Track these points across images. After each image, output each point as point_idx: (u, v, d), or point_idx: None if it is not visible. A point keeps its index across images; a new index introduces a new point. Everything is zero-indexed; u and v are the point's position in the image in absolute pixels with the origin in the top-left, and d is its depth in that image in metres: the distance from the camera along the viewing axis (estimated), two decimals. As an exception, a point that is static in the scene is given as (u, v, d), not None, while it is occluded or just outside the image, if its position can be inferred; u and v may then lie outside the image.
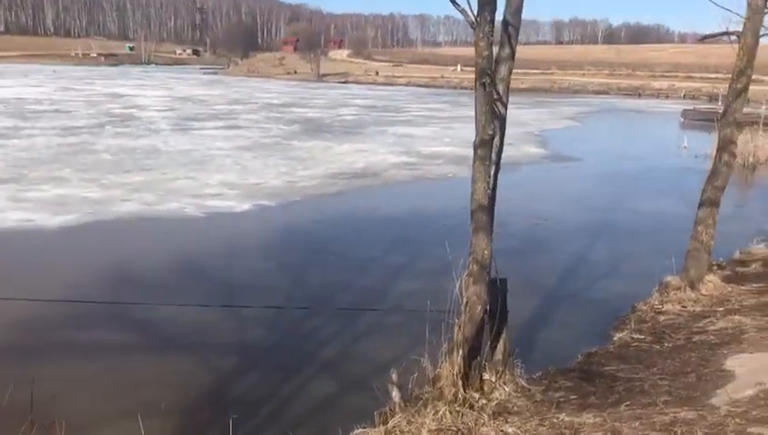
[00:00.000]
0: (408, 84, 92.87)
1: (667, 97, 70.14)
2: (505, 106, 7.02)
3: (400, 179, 21.74)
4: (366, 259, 12.97)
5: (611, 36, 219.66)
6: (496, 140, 6.99)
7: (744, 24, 10.05)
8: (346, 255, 13.32)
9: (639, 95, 73.66)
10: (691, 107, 46.97)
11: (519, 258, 13.00)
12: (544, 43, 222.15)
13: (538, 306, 10.68)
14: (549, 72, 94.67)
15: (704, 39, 10.60)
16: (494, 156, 7.00)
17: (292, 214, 16.62)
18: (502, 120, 7.07)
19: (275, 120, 40.32)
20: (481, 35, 5.66)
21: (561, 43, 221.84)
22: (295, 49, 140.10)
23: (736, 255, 13.03)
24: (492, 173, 6.65)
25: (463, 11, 5.57)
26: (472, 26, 5.66)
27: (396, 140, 31.85)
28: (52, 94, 56.18)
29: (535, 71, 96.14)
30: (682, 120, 43.07)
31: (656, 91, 74.16)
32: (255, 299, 9.45)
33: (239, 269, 12.08)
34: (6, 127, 31.97)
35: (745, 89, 10.23)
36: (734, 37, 10.28)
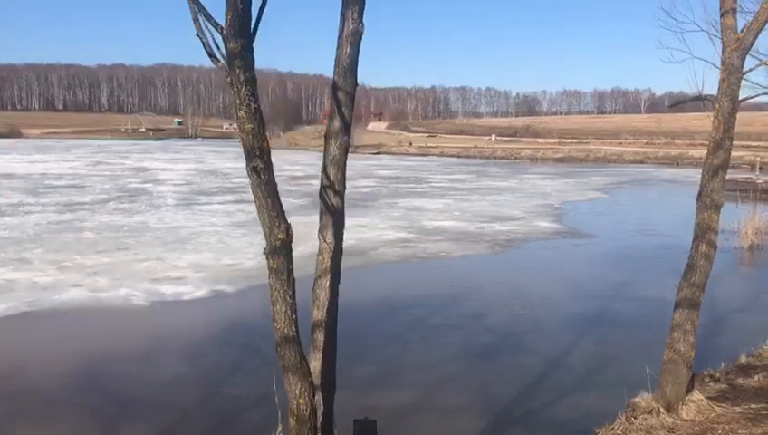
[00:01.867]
0: (440, 155, 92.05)
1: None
2: (340, 196, 5.44)
3: (386, 259, 20.11)
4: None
5: (654, 106, 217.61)
6: (330, 241, 5.39)
7: (719, 86, 8.35)
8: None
9: (677, 164, 71.10)
10: (726, 177, 44.48)
11: (480, 362, 11.23)
12: (586, 113, 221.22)
13: (480, 431, 8.78)
14: (586, 141, 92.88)
15: (673, 105, 8.90)
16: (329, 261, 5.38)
17: (245, 302, 15.08)
18: (337, 216, 5.49)
19: (288, 193, 39.33)
20: (238, 101, 4.13)
21: (603, 113, 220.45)
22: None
23: (742, 359, 10.89)
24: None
25: (217, 62, 4.07)
26: (230, 84, 4.13)
27: (403, 213, 30.40)
28: (81, 169, 56.81)
29: (572, 140, 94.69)
30: (717, 190, 40.61)
31: (694, 160, 71.52)
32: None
33: (135, 381, 10.48)
34: (8, 203, 31.64)
35: (724, 165, 8.44)
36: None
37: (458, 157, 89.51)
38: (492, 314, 14.30)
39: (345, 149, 5.59)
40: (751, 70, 8.38)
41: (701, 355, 12.15)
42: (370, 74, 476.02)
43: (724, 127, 8.31)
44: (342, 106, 5.03)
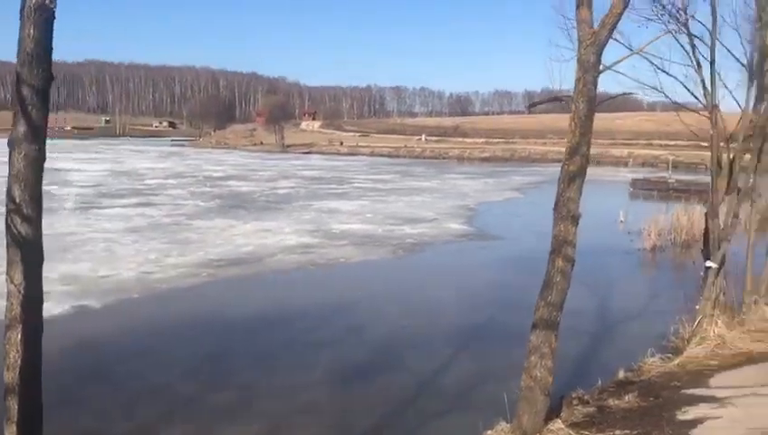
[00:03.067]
0: (371, 154, 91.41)
1: (626, 165, 68.78)
2: (32, 222, 4.40)
3: (281, 267, 19.03)
4: (137, 393, 10.08)
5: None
6: (19, 282, 4.32)
7: (575, 85, 7.64)
8: (123, 383, 10.45)
9: (598, 163, 72.22)
10: (641, 176, 45.16)
11: (345, 385, 10.33)
12: (517, 113, 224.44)
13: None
14: (512, 141, 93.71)
15: (532, 106, 8.17)
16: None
17: (105, 319, 13.79)
18: (28, 249, 4.44)
19: (200, 195, 37.84)
20: None
21: (533, 113, 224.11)
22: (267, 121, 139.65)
23: (620, 374, 10.30)
24: None
25: None
26: None
27: (314, 216, 29.34)
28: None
29: (498, 140, 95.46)
30: (631, 189, 41.10)
31: (614, 159, 72.94)
32: None
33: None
34: None
35: (581, 172, 7.74)
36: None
37: (388, 156, 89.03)
38: (374, 326, 13.44)
39: (35, 162, 4.42)
40: (608, 68, 7.71)
41: (582, 371, 11.59)
42: (306, 73, 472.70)
43: (581, 130, 7.62)
44: (29, 105, 3.95)
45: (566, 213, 7.70)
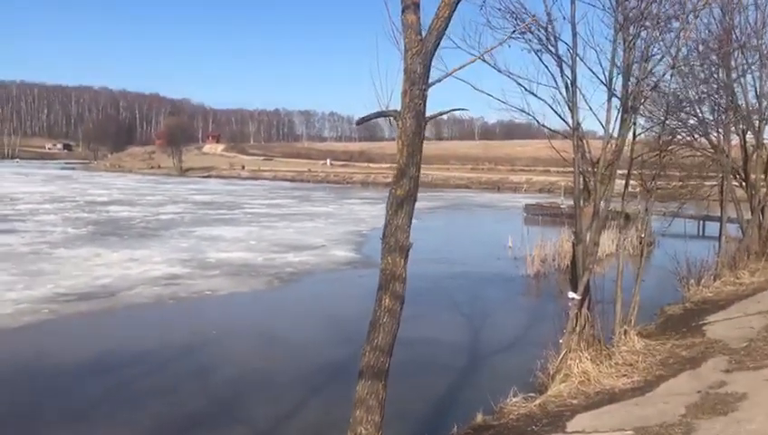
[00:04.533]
0: (273, 178, 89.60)
1: (525, 191, 70.11)
2: None
3: (136, 301, 17.30)
4: None
5: (487, 133, 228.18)
6: None
7: (402, 100, 6.69)
8: None
9: (498, 189, 73.53)
10: (534, 201, 45.75)
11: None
12: (426, 139, 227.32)
13: None
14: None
15: (360, 123, 7.19)
16: None
17: None
18: None
19: (73, 221, 35.18)
20: None
21: (441, 139, 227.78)
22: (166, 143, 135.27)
23: (478, 418, 9.39)
24: None
25: None
26: None
27: (192, 244, 27.55)
28: None
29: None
30: (524, 215, 41.41)
31: (514, 185, 74.34)
32: None
33: None
34: None
35: (410, 197, 6.75)
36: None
37: (292, 181, 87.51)
38: (221, 369, 12.07)
39: None
40: (439, 81, 6.82)
41: (437, 416, 10.63)
42: (212, 95, 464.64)
43: (409, 150, 6.64)
44: None
45: (394, 244, 6.69)
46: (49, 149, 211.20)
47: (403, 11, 6.64)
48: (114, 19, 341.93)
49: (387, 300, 6.71)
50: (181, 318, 16.08)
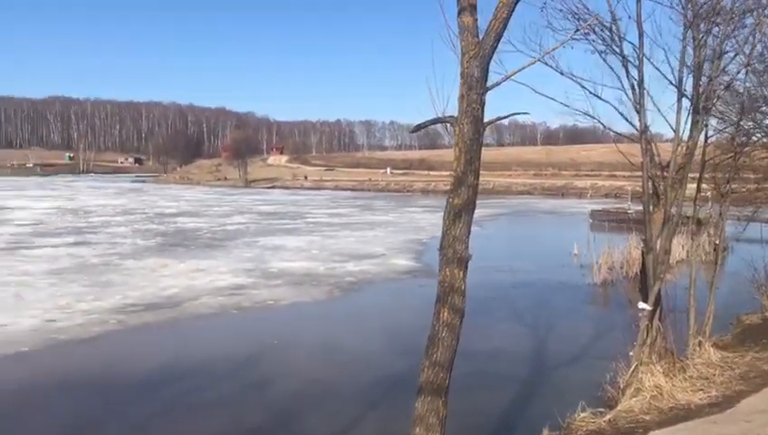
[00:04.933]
0: (335, 188, 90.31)
1: (590, 196, 68.43)
2: None
3: (201, 311, 17.54)
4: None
5: (550, 138, 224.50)
6: None
7: (459, 105, 6.49)
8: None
9: (563, 195, 72.02)
10: (600, 207, 44.53)
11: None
12: (486, 146, 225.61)
13: None
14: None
15: (415, 130, 6.99)
16: None
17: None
18: None
19: (142, 232, 36.17)
20: None
21: (502, 145, 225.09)
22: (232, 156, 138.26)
23: (543, 434, 9.03)
24: None
25: None
26: None
27: (256, 254, 27.89)
28: None
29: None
30: (590, 221, 40.31)
31: (578, 191, 72.67)
32: None
33: None
34: None
35: (468, 206, 6.51)
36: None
37: (352, 190, 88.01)
38: (283, 380, 12.04)
39: None
40: (497, 84, 6.56)
41: (505, 430, 10.30)
42: (275, 107, 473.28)
43: (467, 157, 6.42)
44: None
45: (452, 255, 6.47)
46: (121, 163, 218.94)
47: (459, 13, 6.44)
48: (182, 37, 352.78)
49: (445, 314, 6.49)
50: (244, 328, 16.19)
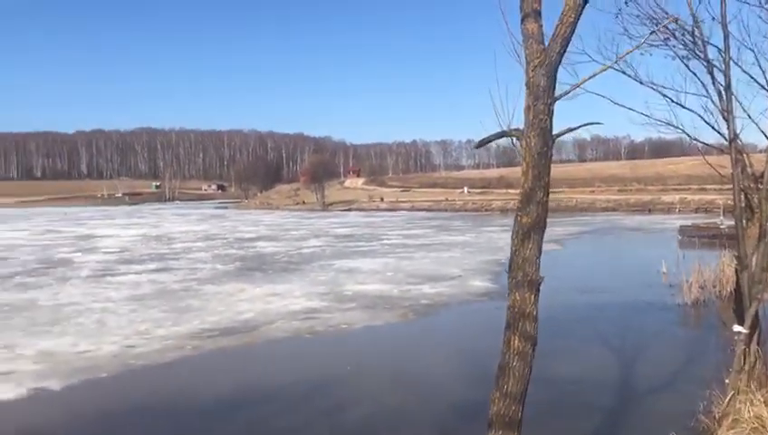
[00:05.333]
0: (411, 209, 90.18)
1: (678, 211, 65.54)
2: None
3: (276, 336, 17.49)
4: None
5: (634, 152, 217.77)
6: None
7: (525, 116, 6.05)
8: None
9: (650, 211, 69.31)
10: (689, 223, 42.43)
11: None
12: (567, 162, 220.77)
13: None
14: (558, 190, 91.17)
15: (479, 145, 6.60)
16: None
17: (56, 404, 12.47)
18: None
19: (222, 257, 36.89)
20: None
21: (584, 161, 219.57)
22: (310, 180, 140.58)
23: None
24: None
25: None
26: None
27: (331, 277, 27.86)
28: (21, 239, 54.11)
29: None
30: (679, 237, 38.44)
31: (666, 206, 69.74)
32: None
33: None
34: None
35: (538, 225, 6.03)
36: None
37: (428, 211, 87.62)
38: (355, 407, 11.73)
39: None
40: (566, 93, 6.09)
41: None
42: (351, 131, 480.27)
43: (535, 172, 5.97)
44: None
45: (522, 278, 6.00)
46: (205, 190, 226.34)
47: (523, 20, 6.04)
48: (260, 68, 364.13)
49: (516, 341, 6.01)
50: (317, 353, 16.00)
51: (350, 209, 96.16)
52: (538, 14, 6.01)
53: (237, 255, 38.45)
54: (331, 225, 64.43)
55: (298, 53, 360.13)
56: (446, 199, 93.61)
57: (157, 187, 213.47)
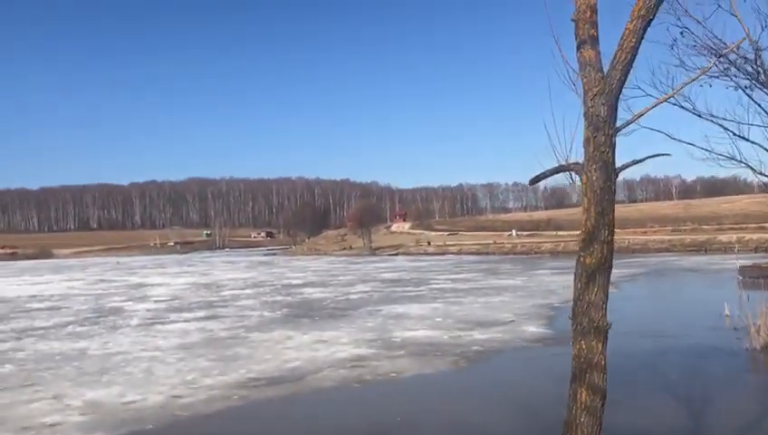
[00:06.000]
0: (458, 253, 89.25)
1: (737, 251, 63.15)
2: None
3: (323, 385, 17.01)
4: None
5: (686, 192, 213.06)
6: None
7: (584, 149, 5.62)
8: None
9: (706, 250, 67.01)
10: (750, 262, 40.67)
11: None
12: (618, 203, 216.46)
13: None
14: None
15: (534, 182, 6.17)
16: None
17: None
18: None
19: (270, 304, 36.79)
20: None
21: (633, 201, 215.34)
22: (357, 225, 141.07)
23: None
24: None
25: None
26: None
27: (379, 323, 27.36)
28: (76, 289, 55.23)
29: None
30: (739, 278, 36.77)
31: (723, 246, 67.34)
32: None
33: None
34: (-42, 332, 29.54)
35: (602, 265, 5.54)
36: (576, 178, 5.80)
37: (477, 254, 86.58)
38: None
39: None
40: (627, 124, 5.65)
41: None
42: (397, 176, 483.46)
43: (598, 208, 5.51)
44: None
45: (587, 324, 5.49)
46: (254, 237, 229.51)
47: (579, 47, 5.66)
48: (307, 118, 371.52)
49: (583, 395, 5.47)
50: (366, 403, 15.45)
51: (397, 253, 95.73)
52: (595, 40, 5.64)
53: (285, 301, 38.31)
54: (378, 269, 64.04)
55: (344, 103, 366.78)
56: (495, 242, 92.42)
57: (207, 235, 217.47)
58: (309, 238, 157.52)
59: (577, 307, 5.59)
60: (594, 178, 5.50)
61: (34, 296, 48.35)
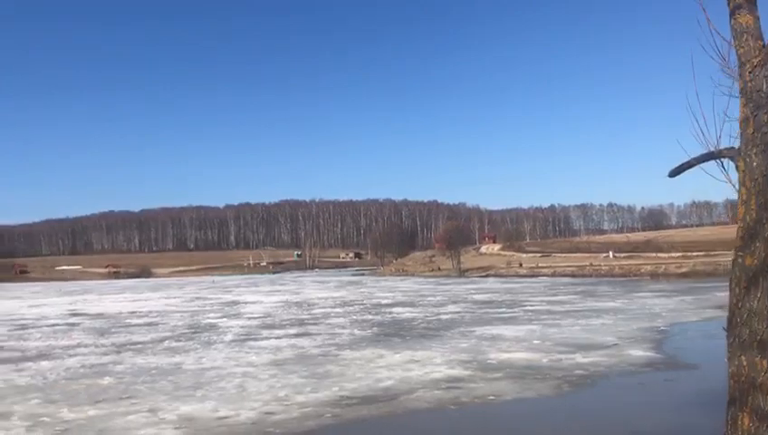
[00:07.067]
0: (552, 275, 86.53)
1: None
2: None
3: (417, 406, 16.31)
4: None
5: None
6: None
7: (741, 131, 4.77)
8: None
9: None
10: None
11: None
12: (720, 224, 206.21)
13: None
14: (713, 253, 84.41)
15: (674, 174, 5.35)
16: None
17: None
18: None
19: (360, 323, 36.47)
20: None
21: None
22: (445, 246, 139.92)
23: None
24: None
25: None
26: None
27: (473, 344, 26.43)
28: (173, 306, 56.92)
29: (698, 253, 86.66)
30: None
31: None
32: None
33: None
34: (63, 345, 30.67)
35: (765, 268, 4.65)
36: (727, 163, 4.94)
37: (572, 276, 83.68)
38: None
39: None
40: (797, 98, 4.76)
41: None
42: (486, 197, 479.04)
43: (758, 200, 4.65)
44: None
45: (749, 337, 4.61)
46: (342, 258, 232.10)
47: (733, 12, 4.83)
48: (394, 141, 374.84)
49: (746, 420, 4.57)
50: (464, 426, 14.62)
51: (487, 275, 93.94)
52: (753, 3, 4.81)
53: (375, 320, 37.89)
54: (468, 291, 62.82)
55: (435, 126, 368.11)
56: (591, 264, 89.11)
57: (298, 255, 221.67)
58: (396, 259, 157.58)
59: (734, 317, 4.71)
60: (755, 164, 4.64)
61: (134, 313, 50.09)
